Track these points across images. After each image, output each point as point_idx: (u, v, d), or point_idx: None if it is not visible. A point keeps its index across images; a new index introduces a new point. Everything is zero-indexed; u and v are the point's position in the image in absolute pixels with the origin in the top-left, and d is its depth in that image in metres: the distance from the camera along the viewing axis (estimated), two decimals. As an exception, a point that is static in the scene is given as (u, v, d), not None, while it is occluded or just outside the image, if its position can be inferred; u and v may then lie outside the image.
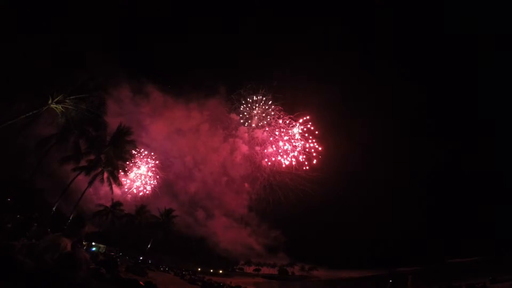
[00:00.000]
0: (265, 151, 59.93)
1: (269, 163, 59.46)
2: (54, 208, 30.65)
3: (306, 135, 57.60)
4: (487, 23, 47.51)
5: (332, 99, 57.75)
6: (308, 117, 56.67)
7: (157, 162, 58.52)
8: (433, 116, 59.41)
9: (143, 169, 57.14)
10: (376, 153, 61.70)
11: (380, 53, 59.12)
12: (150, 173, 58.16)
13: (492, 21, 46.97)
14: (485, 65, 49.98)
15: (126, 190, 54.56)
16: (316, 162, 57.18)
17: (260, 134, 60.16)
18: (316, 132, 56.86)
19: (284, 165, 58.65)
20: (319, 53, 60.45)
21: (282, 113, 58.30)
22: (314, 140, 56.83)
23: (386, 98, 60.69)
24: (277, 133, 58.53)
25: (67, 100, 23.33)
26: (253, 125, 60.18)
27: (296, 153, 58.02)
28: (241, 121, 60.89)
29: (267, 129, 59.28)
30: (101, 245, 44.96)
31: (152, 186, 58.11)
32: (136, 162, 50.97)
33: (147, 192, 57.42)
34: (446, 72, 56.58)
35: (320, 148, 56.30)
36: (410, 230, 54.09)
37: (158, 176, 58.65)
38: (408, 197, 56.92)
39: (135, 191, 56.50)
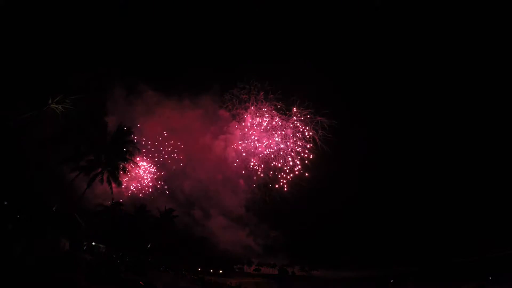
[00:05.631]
0: (259, 149, 60.11)
1: (263, 161, 59.64)
2: (54, 208, 30.69)
3: (301, 135, 57.78)
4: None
5: (329, 98, 57.57)
6: (303, 117, 56.82)
7: (155, 161, 58.69)
8: (435, 115, 59.23)
9: (142, 168, 57.28)
10: (375, 152, 61.62)
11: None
12: (149, 171, 58.32)
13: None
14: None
15: (126, 189, 54.63)
16: (312, 160, 57.29)
17: (253, 132, 60.41)
18: (310, 132, 56.93)
19: (278, 164, 58.84)
20: (316, 53, 60.28)
21: (274, 112, 58.48)
22: (310, 138, 56.94)
23: (386, 97, 60.51)
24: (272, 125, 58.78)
25: (67, 100, 23.40)
26: (247, 123, 60.39)
27: (290, 151, 58.24)
28: (234, 119, 61.15)
29: (262, 128, 59.48)
30: (101, 245, 44.88)
31: (151, 186, 58.25)
32: (136, 162, 50.99)
33: (148, 191, 57.56)
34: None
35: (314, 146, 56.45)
36: (410, 230, 54.12)
37: (156, 176, 58.81)
38: (409, 197, 56.90)
39: (135, 191, 56.61)
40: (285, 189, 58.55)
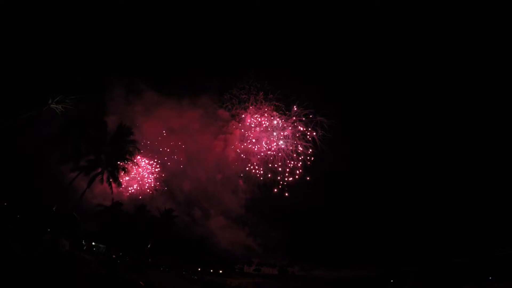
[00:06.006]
0: (256, 148, 60.19)
1: (262, 162, 59.72)
2: (54, 208, 30.69)
3: (300, 135, 57.86)
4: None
5: (329, 98, 57.57)
6: (303, 117, 56.97)
7: (155, 160, 58.75)
8: (437, 114, 59.20)
9: (142, 168, 57.32)
10: (374, 151, 61.68)
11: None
12: (149, 171, 58.39)
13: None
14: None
15: (126, 189, 54.66)
16: (312, 160, 57.38)
17: (252, 131, 60.47)
18: (313, 133, 56.98)
19: (276, 163, 58.93)
20: (316, 53, 60.20)
21: (274, 112, 58.54)
22: (309, 137, 57.07)
23: (387, 96, 60.49)
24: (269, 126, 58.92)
25: (66, 100, 23.38)
26: (246, 123, 60.44)
27: (289, 151, 58.36)
28: (234, 119, 61.22)
29: (261, 128, 59.54)
30: (101, 245, 44.94)
31: (152, 185, 58.28)
32: (136, 162, 51.00)
33: (148, 191, 57.59)
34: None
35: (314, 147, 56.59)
36: (411, 230, 54.11)
37: (156, 176, 58.87)
38: (409, 196, 56.90)
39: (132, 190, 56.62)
40: (285, 188, 58.71)
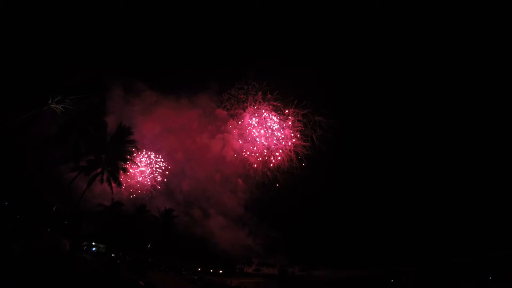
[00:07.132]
0: (255, 148, 60.27)
1: (260, 160, 59.78)
2: (54, 208, 30.68)
3: (298, 135, 57.92)
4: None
5: (328, 98, 57.66)
6: (301, 117, 57.05)
7: (156, 160, 58.72)
8: (437, 114, 59.21)
9: (141, 168, 57.33)
10: (374, 151, 61.70)
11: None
12: (149, 172, 58.39)
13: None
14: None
15: (126, 189, 54.65)
16: (310, 159, 57.55)
17: (251, 131, 60.55)
18: (311, 133, 57.09)
19: (275, 163, 58.98)
20: (315, 53, 60.26)
21: (273, 112, 58.59)
22: (308, 137, 57.17)
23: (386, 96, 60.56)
24: (269, 124, 59.01)
25: (67, 100, 23.37)
26: (245, 122, 60.49)
27: (288, 151, 58.47)
28: (232, 119, 61.28)
29: (260, 127, 59.60)
30: (101, 245, 44.96)
31: (151, 185, 58.27)
32: (136, 162, 50.98)
33: (147, 192, 57.56)
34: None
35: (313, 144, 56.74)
36: (411, 229, 54.14)
37: (155, 176, 58.86)
38: (409, 196, 56.92)
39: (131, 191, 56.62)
40: (284, 187, 58.83)
